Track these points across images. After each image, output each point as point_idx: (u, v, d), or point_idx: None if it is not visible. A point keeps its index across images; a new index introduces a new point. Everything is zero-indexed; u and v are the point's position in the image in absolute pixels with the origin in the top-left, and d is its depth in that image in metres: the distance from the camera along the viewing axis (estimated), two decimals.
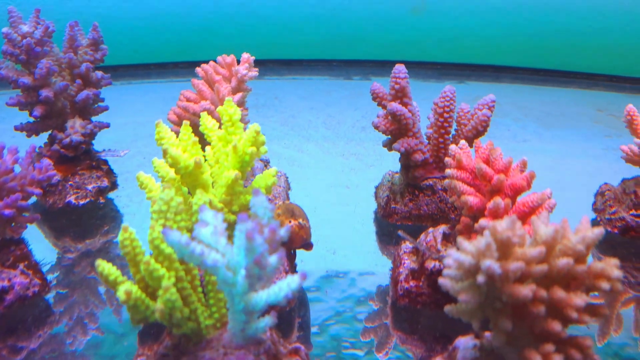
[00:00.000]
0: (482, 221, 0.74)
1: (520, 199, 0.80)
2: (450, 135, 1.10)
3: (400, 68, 1.06)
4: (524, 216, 0.78)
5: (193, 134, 0.84)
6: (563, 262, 0.61)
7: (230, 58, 1.09)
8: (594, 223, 1.18)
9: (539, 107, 1.93)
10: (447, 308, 0.64)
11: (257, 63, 2.42)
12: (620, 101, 2.02)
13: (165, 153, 0.78)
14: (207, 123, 0.87)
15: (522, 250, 0.62)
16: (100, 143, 1.26)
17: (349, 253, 1.05)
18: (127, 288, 0.60)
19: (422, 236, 0.94)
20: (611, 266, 0.64)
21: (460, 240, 0.61)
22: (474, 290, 0.61)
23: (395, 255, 0.96)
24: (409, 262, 0.90)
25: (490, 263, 0.58)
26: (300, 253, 1.05)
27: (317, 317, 0.92)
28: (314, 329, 0.90)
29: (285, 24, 2.36)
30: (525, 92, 2.15)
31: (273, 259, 0.60)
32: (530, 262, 0.61)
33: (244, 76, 1.06)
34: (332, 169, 1.40)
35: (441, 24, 2.34)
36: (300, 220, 0.92)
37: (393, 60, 2.41)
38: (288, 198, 1.19)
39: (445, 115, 1.08)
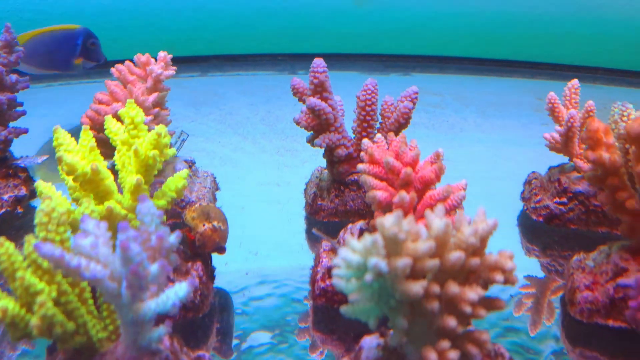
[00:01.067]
0: (377, 218, 0.72)
1: (429, 192, 0.79)
2: (375, 129, 1.09)
3: (318, 62, 1.04)
4: (432, 209, 0.77)
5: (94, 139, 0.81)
6: (455, 256, 0.61)
7: (145, 57, 1.05)
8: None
9: (480, 97, 1.94)
10: (342, 309, 0.63)
11: (200, 59, 2.40)
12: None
13: (60, 161, 0.75)
14: (111, 127, 0.84)
15: (413, 246, 0.61)
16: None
17: (274, 253, 1.03)
18: (2, 305, 0.57)
19: (341, 233, 0.93)
20: (505, 258, 0.63)
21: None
22: (365, 289, 0.60)
23: (316, 254, 0.95)
24: (326, 261, 0.89)
25: (377, 261, 0.57)
26: (230, 254, 1.04)
27: (241, 321, 0.90)
28: (237, 333, 0.88)
29: (229, 18, 2.33)
30: (469, 82, 2.17)
31: (154, 268, 0.58)
32: (420, 257, 0.60)
33: (159, 75, 1.03)
34: (266, 166, 1.38)
35: (386, 16, 2.34)
36: (215, 223, 0.89)
37: (339, 53, 2.42)
38: (215, 199, 1.16)
39: (367, 108, 1.07)
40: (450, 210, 0.80)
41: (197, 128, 1.61)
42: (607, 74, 2.22)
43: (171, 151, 0.84)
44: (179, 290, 0.60)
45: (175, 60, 2.39)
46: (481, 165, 1.44)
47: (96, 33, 1.74)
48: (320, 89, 1.03)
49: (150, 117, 1.00)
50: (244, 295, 0.94)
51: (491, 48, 2.31)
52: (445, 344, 0.62)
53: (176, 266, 0.86)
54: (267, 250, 1.03)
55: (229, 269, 0.99)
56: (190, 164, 1.15)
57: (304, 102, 1.04)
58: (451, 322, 0.61)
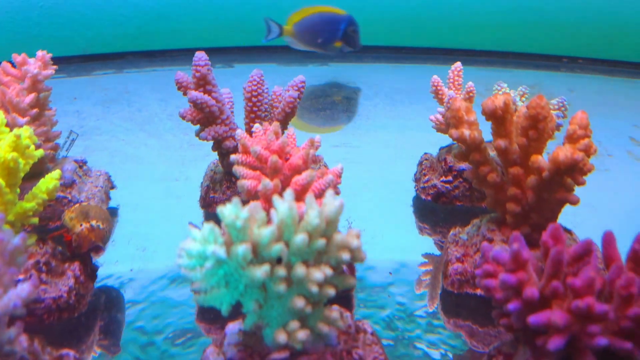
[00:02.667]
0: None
1: (294, 178, 0.81)
2: (263, 120, 1.10)
3: (200, 55, 1.05)
4: (299, 194, 0.79)
5: None
6: (299, 238, 0.62)
7: (21, 57, 1.03)
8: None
9: (391, 84, 1.98)
10: (195, 298, 0.64)
11: (116, 56, 2.36)
12: (473, 75, 2.11)
13: None
14: None
15: (257, 232, 0.62)
16: None
17: (162, 248, 1.03)
18: None
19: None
20: (351, 237, 0.66)
21: (190, 228, 0.60)
22: (211, 277, 0.61)
23: None
24: None
25: (214, 248, 0.59)
26: (120, 252, 1.03)
27: (130, 315, 0.90)
28: (128, 329, 0.88)
29: (145, 14, 2.29)
30: (384, 70, 2.20)
31: None
32: (261, 243, 0.61)
33: (36, 75, 1.01)
34: (168, 162, 1.37)
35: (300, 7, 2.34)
36: (94, 223, 0.89)
37: (258, 46, 2.42)
38: (109, 198, 1.15)
39: (254, 99, 1.08)
40: (319, 194, 0.82)
41: (102, 126, 1.58)
42: (517, 58, 2.30)
43: (38, 152, 0.83)
44: (21, 291, 0.60)
45: (90, 58, 2.37)
46: (385, 150, 1.47)
47: (10, 30, 1.71)
48: (202, 82, 1.03)
49: (26, 119, 0.98)
50: (132, 292, 0.94)
51: (407, 36, 2.35)
52: (294, 324, 0.64)
53: (52, 267, 0.85)
54: (156, 246, 1.03)
55: (118, 267, 0.99)
56: (81, 163, 1.13)
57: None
58: (299, 303, 0.63)
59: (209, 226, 0.59)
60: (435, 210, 1.16)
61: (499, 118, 0.84)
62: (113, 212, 1.16)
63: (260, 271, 0.61)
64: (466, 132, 0.85)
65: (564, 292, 0.62)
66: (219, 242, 0.59)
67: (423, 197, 1.15)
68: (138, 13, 2.31)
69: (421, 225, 1.15)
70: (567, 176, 0.81)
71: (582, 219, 1.16)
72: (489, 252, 0.65)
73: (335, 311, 0.66)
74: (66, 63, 2.22)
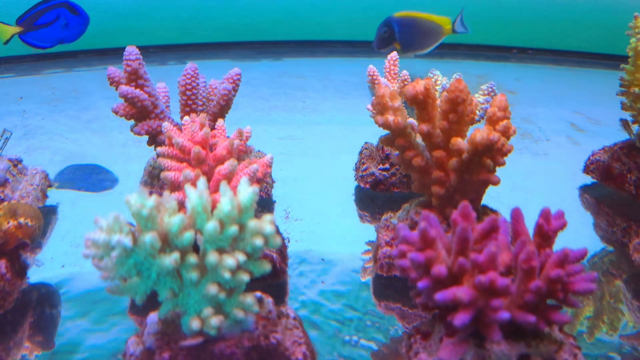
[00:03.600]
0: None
1: (217, 168, 0.81)
2: (199, 113, 1.10)
3: (130, 50, 1.04)
4: (219, 184, 0.79)
5: None
6: (209, 226, 0.63)
7: None
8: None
9: (343, 77, 1.99)
10: (107, 288, 0.64)
11: (67, 55, 2.32)
12: (424, 66, 2.14)
13: None
14: None
15: (167, 220, 0.62)
16: None
17: None
18: None
19: None
20: (265, 223, 0.66)
21: (96, 219, 0.60)
22: (120, 266, 0.61)
23: None
24: None
25: (119, 238, 0.59)
26: (55, 249, 1.02)
27: (65, 311, 0.90)
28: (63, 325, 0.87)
29: (100, 10, 2.26)
30: (337, 64, 2.21)
31: None
32: (171, 232, 0.61)
33: None
34: (111, 159, 1.36)
35: (256, 3, 2.34)
36: (22, 220, 0.88)
37: (210, 43, 2.41)
38: (45, 196, 1.14)
39: (188, 92, 1.08)
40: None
41: (47, 125, 1.56)
42: (468, 50, 2.34)
43: None
44: None
45: (41, 57, 2.33)
46: (330, 141, 1.48)
47: None
48: (134, 77, 1.03)
49: None
50: (66, 288, 0.93)
51: (360, 30, 2.36)
52: (208, 311, 0.64)
53: None
54: None
55: (52, 264, 0.98)
56: (16, 162, 1.12)
57: None
58: (212, 289, 0.63)
59: (114, 215, 0.59)
60: (375, 197, 1.17)
61: (420, 103, 0.85)
62: (51, 210, 1.14)
63: (169, 259, 0.61)
64: (390, 118, 0.86)
65: (473, 268, 0.63)
66: (124, 231, 0.59)
67: (362, 185, 1.17)
68: (90, 11, 2.28)
69: (361, 213, 1.17)
70: (486, 157, 0.83)
71: (517, 200, 1.19)
72: (400, 233, 0.67)
73: (250, 297, 0.66)
74: (17, 62, 2.18)
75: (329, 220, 1.13)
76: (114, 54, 2.32)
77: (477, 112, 0.99)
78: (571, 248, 0.65)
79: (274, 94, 1.84)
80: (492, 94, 1.08)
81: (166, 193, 0.63)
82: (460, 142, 0.82)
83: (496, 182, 0.86)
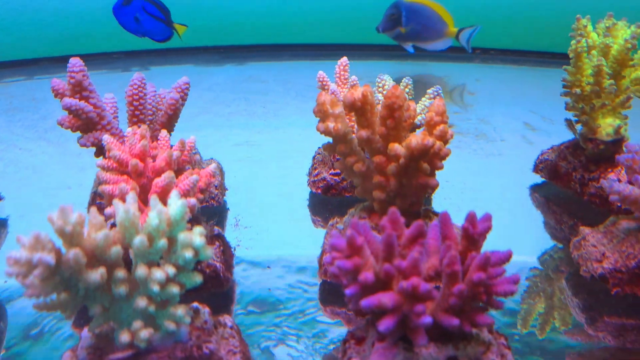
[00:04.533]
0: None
1: (155, 181, 0.81)
2: (153, 124, 1.10)
3: (74, 62, 1.03)
4: (160, 196, 0.79)
5: None
6: (136, 240, 0.63)
7: None
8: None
9: (305, 81, 1.99)
10: (34, 305, 0.64)
11: (29, 62, 2.30)
12: (387, 69, 2.16)
13: None
14: None
15: (94, 236, 0.62)
16: None
17: None
18: None
19: None
20: (195, 235, 0.66)
21: (18, 237, 0.60)
22: (46, 283, 0.61)
23: None
24: None
25: (41, 255, 0.58)
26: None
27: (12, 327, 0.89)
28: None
29: (61, 17, 2.24)
30: (301, 67, 2.22)
31: None
32: (102, 246, 0.62)
33: None
34: (65, 170, 1.35)
35: (220, 7, 2.34)
36: None
37: (174, 48, 2.40)
38: None
39: (135, 103, 1.07)
40: (185, 194, 0.83)
41: (1, 135, 1.54)
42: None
43: None
44: None
45: (0, 65, 2.30)
46: (290, 147, 1.49)
47: None
48: (78, 89, 1.02)
49: None
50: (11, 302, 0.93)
51: (325, 33, 2.37)
52: (137, 324, 0.64)
53: None
54: None
55: None
56: None
57: None
58: (141, 302, 0.64)
59: (35, 233, 0.59)
60: (327, 202, 1.18)
61: (358, 109, 0.86)
62: (2, 223, 1.13)
63: (95, 275, 0.61)
64: (331, 125, 0.87)
65: (399, 274, 0.64)
66: (47, 248, 0.59)
67: (313, 190, 1.17)
68: (53, 17, 2.26)
69: (314, 218, 1.17)
70: (423, 161, 0.84)
71: (469, 201, 1.21)
72: (329, 240, 0.67)
73: (182, 309, 0.66)
74: None
75: (282, 227, 1.13)
76: None
77: (418, 117, 1.00)
78: (498, 250, 0.66)
79: (235, 99, 1.84)
80: (437, 97, 1.10)
81: (93, 209, 0.64)
82: (398, 148, 0.83)
83: (434, 186, 0.87)
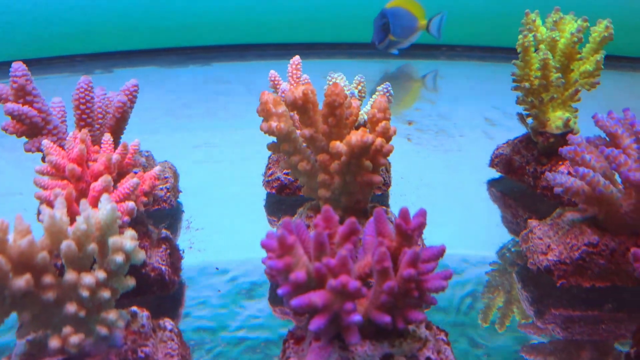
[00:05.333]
0: None
1: (92, 185, 0.80)
2: (96, 127, 1.08)
3: (16, 66, 1.01)
4: (95, 201, 0.79)
5: None
6: (63, 245, 0.62)
7: None
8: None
9: (268, 81, 1.98)
10: None
11: None
12: (346, 68, 2.15)
13: None
14: None
15: (19, 243, 0.61)
16: None
17: None
18: None
19: None
20: (126, 239, 0.65)
21: None
22: None
23: None
24: None
25: None
26: None
27: None
28: None
29: (20, 19, 2.21)
30: (266, 67, 2.20)
31: None
32: (26, 252, 0.60)
33: None
34: (21, 175, 1.33)
35: (185, 8, 2.32)
36: None
37: (139, 50, 2.38)
38: None
39: (82, 107, 1.06)
40: (123, 199, 0.82)
41: None
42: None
43: None
44: None
45: None
46: (249, 147, 1.47)
47: None
48: (22, 93, 1.01)
49: None
50: None
51: (290, 32, 2.36)
52: (67, 329, 0.63)
53: None
54: None
55: None
56: None
57: None
58: (70, 308, 0.63)
59: None
60: (283, 202, 1.17)
61: (300, 108, 0.86)
62: None
63: (20, 281, 0.60)
64: (274, 124, 0.87)
65: (328, 272, 0.64)
66: None
67: (268, 190, 1.17)
68: (16, 19, 2.22)
69: (270, 218, 1.17)
70: (365, 158, 0.84)
71: (425, 197, 1.22)
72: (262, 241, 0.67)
73: (114, 313, 0.66)
74: None
75: (236, 228, 1.13)
76: (38, 64, 2.27)
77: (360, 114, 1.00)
78: (433, 246, 0.67)
79: (197, 100, 1.82)
80: (388, 94, 1.10)
81: (17, 216, 0.62)
82: (339, 145, 0.83)
83: (378, 183, 0.87)
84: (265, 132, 0.88)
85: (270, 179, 1.16)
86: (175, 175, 1.18)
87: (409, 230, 0.66)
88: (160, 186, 1.11)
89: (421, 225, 0.67)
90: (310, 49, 2.34)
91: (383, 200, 1.19)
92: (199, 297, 0.92)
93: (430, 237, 1.08)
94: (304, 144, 0.90)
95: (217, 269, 0.97)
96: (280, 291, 0.64)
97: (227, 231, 1.10)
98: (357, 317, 0.60)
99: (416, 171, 1.32)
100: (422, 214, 0.68)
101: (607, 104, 1.15)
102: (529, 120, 1.17)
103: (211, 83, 2.03)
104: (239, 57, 2.32)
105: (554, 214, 0.97)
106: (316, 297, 0.61)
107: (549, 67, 1.09)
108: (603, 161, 0.88)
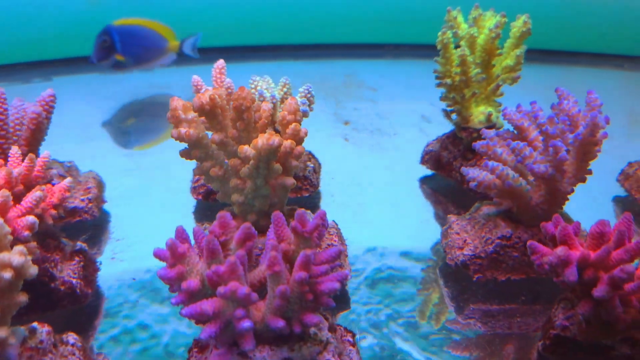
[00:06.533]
0: None
1: None
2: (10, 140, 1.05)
3: None
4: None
5: None
6: None
7: None
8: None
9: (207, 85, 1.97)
10: None
11: None
12: (290, 70, 2.16)
13: None
14: None
15: None
16: None
17: None
18: None
19: None
20: (14, 254, 0.63)
21: None
22: None
23: None
24: None
25: None
26: None
27: None
28: None
29: None
30: (207, 72, 2.18)
31: None
32: None
33: None
34: None
35: (127, 13, 2.28)
36: None
37: (77, 57, 2.33)
38: None
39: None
40: (26, 213, 0.79)
41: None
42: (341, 49, 2.36)
43: None
44: None
45: None
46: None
47: None
48: None
49: None
50: None
51: (235, 35, 2.34)
52: None
53: None
54: None
55: None
56: None
57: None
58: None
59: None
60: (210, 208, 1.16)
61: (208, 113, 0.84)
62: None
63: None
64: (183, 130, 0.85)
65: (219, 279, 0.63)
66: None
67: (194, 197, 1.15)
68: None
69: (198, 225, 1.15)
70: (275, 161, 0.83)
71: (355, 196, 1.22)
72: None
73: (4, 330, 0.63)
74: None
75: (160, 237, 1.10)
76: None
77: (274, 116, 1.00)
78: (332, 247, 0.66)
79: (134, 107, 1.80)
80: (309, 95, 1.10)
81: None
82: (247, 149, 0.82)
83: (291, 185, 0.86)
84: (175, 139, 0.87)
85: (196, 185, 1.15)
86: (100, 185, 1.15)
87: (306, 232, 0.66)
88: (82, 197, 1.08)
89: (318, 227, 0.67)
90: (256, 51, 2.33)
91: (313, 201, 1.19)
92: (114, 308, 0.90)
93: (359, 236, 1.08)
94: (218, 149, 0.88)
95: (133, 279, 0.95)
96: (173, 300, 0.63)
97: (150, 240, 1.08)
98: (247, 324, 0.59)
99: (351, 171, 1.32)
100: (321, 216, 0.68)
101: (546, 98, 1.16)
102: (453, 116, 1.18)
103: (151, 88, 2.00)
104: (181, 62, 2.28)
105: (472, 209, 0.98)
106: (207, 305, 0.60)
107: (467, 63, 1.10)
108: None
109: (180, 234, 0.65)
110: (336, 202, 1.19)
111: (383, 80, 1.98)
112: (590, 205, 1.20)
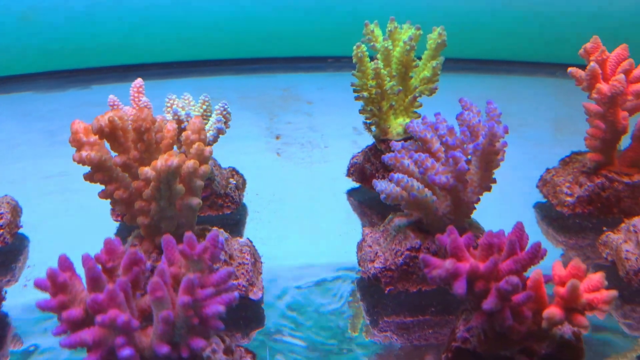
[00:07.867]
0: None
1: None
2: None
3: None
4: None
5: None
6: None
7: None
8: None
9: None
10: None
11: None
12: (227, 84, 2.14)
13: None
14: None
15: None
16: None
17: None
18: None
19: None
20: None
21: None
22: None
23: None
24: None
25: None
26: None
27: None
28: None
29: None
30: (149, 88, 2.16)
31: None
32: None
33: None
34: None
35: (63, 30, 2.24)
36: None
37: (14, 75, 2.27)
38: None
39: None
40: None
41: None
42: (281, 63, 2.36)
43: None
44: None
45: None
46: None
47: None
48: None
49: None
50: None
51: (175, 52, 2.32)
52: None
53: None
54: None
55: None
56: None
57: None
58: None
59: None
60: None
61: (109, 136, 0.83)
62: None
63: None
64: (84, 154, 0.84)
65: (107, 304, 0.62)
66: None
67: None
68: None
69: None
70: (176, 182, 0.82)
71: (277, 211, 1.21)
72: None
73: None
74: None
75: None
76: None
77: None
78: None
79: (65, 126, 1.74)
80: (225, 112, 1.09)
81: None
82: (147, 171, 0.81)
83: (197, 205, 0.85)
84: (77, 163, 0.85)
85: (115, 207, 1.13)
86: (15, 210, 1.12)
87: (195, 255, 0.65)
88: None
89: (207, 249, 0.66)
90: (193, 67, 2.32)
91: (235, 218, 1.18)
92: (18, 337, 0.88)
93: (279, 251, 1.08)
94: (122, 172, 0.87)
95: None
96: (54, 331, 0.61)
97: None
98: (126, 352, 0.58)
99: (278, 186, 1.32)
100: (212, 237, 0.67)
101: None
102: (373, 128, 1.19)
103: (88, 107, 1.96)
104: (120, 79, 2.25)
105: (386, 220, 0.99)
106: (86, 335, 0.59)
107: (382, 76, 1.11)
108: None
109: (63, 262, 0.63)
110: (260, 218, 1.18)
111: (321, 93, 1.99)
112: (511, 212, 1.22)
